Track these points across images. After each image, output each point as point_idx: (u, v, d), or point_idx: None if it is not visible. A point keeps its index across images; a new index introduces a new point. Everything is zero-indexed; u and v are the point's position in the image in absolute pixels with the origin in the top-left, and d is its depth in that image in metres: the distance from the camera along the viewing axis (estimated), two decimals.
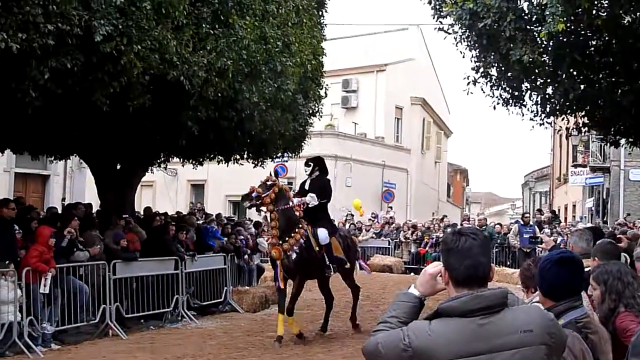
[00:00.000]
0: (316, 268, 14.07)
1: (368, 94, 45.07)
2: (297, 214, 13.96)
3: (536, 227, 25.81)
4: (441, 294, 3.77)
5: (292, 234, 13.53)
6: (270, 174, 14.38)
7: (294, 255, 13.45)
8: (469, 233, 3.56)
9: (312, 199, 14.14)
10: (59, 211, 18.44)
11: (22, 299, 12.82)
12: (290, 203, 13.92)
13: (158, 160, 20.08)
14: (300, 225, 13.76)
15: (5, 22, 9.66)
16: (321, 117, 21.79)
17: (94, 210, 18.90)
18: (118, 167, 18.74)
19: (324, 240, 13.88)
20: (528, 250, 24.26)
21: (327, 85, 20.51)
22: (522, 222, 26.56)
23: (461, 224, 34.58)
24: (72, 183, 28.99)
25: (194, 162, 20.28)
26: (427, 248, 31.46)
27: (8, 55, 9.89)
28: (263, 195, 13.34)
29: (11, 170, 28.72)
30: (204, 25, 13.90)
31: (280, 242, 13.49)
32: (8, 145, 19.05)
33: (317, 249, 13.82)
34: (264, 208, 13.91)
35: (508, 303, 3.47)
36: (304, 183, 15.02)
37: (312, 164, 14.77)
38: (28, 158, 21.83)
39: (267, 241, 16.43)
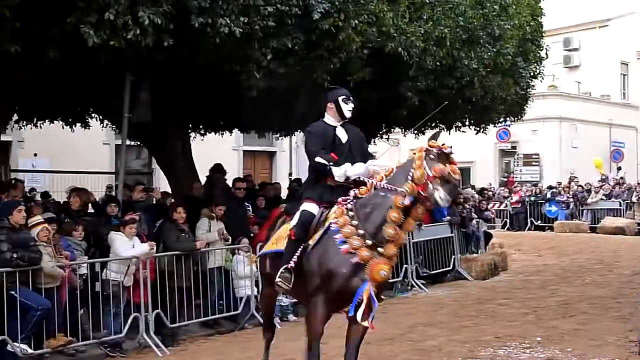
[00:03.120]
0: None
1: (591, 51, 43.54)
2: None
3: None
4: None
5: None
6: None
7: None
8: None
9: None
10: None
11: (257, 274, 13.18)
12: None
13: (380, 132, 20.10)
14: None
15: (227, 7, 9.88)
16: (543, 78, 21.05)
17: None
18: None
19: None
20: None
21: (547, 45, 19.78)
22: None
23: None
24: (298, 158, 29.63)
25: (415, 131, 20.16)
26: None
27: (232, 39, 10.12)
28: None
29: (239, 148, 29.81)
30: None
31: None
32: (235, 125, 19.76)
33: None
34: None
35: None
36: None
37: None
38: (255, 136, 22.57)
39: None
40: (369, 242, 6.92)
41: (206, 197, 14.31)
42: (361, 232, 6.96)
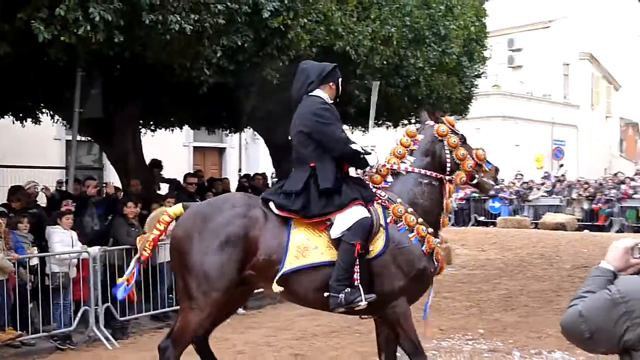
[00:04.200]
0: None
1: (534, 52, 44.17)
2: None
3: None
4: None
5: None
6: None
7: None
8: None
9: None
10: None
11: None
12: None
13: None
14: None
15: (178, 4, 9.87)
16: (486, 78, 21.36)
17: (269, 180, 19.28)
18: (290, 137, 18.96)
19: None
20: None
21: (491, 46, 20.11)
22: None
23: (631, 179, 33.52)
24: (247, 154, 29.63)
25: (362, 128, 20.32)
26: (600, 204, 30.71)
27: (182, 36, 10.12)
28: None
29: (190, 144, 29.67)
30: None
31: None
32: (186, 122, 19.79)
33: None
34: None
35: None
36: None
37: None
38: (205, 133, 22.54)
39: None
40: (430, 230, 6.66)
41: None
42: (420, 221, 6.58)
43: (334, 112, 6.70)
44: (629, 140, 62.33)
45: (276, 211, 6.42)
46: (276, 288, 6.29)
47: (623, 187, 31.58)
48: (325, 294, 6.28)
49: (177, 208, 6.64)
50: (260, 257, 6.27)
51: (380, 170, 6.82)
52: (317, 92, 6.65)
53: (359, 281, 6.28)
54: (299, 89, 6.72)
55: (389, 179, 6.86)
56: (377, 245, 6.42)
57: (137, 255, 6.56)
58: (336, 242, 6.33)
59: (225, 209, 6.36)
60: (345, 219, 6.29)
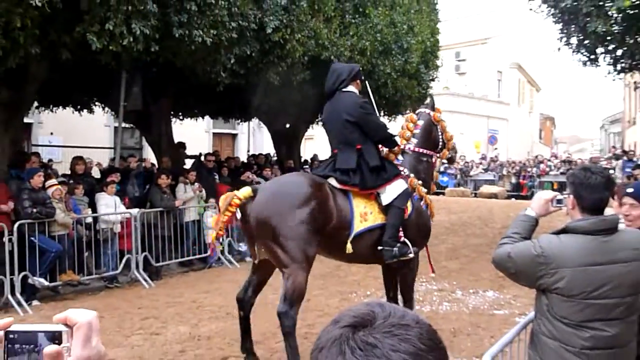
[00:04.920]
0: None
1: (474, 62, 44.10)
2: None
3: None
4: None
5: None
6: None
7: None
8: (598, 172, 3.41)
9: None
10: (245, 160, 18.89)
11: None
12: None
13: (317, 120, 20.16)
14: None
15: (200, 22, 9.80)
16: (439, 81, 21.28)
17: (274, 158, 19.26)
18: (287, 126, 18.93)
19: None
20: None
21: (442, 57, 20.01)
22: (626, 159, 24.44)
23: (548, 160, 33.63)
24: (254, 139, 29.51)
25: None
26: (524, 179, 30.86)
27: (204, 46, 10.05)
28: None
29: (210, 130, 29.54)
30: (347, 16, 13.87)
31: None
32: (207, 113, 19.74)
33: None
34: None
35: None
36: None
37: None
38: (221, 121, 22.53)
39: None
40: (425, 190, 6.73)
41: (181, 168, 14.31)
42: (425, 190, 6.69)
43: (371, 104, 6.64)
44: (546, 131, 62.58)
45: (338, 185, 6.20)
46: (349, 249, 6.12)
47: (542, 166, 31.70)
48: (380, 248, 6.24)
49: (246, 191, 5.91)
50: (334, 222, 6.03)
51: (394, 150, 6.79)
52: (350, 88, 6.44)
53: (403, 237, 6.34)
54: (332, 85, 6.47)
55: (399, 157, 6.84)
56: (408, 210, 6.44)
57: (215, 234, 5.89)
58: (385, 208, 6.27)
59: (302, 186, 5.95)
60: (393, 189, 6.28)
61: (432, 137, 6.94)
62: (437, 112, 7.09)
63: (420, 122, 6.91)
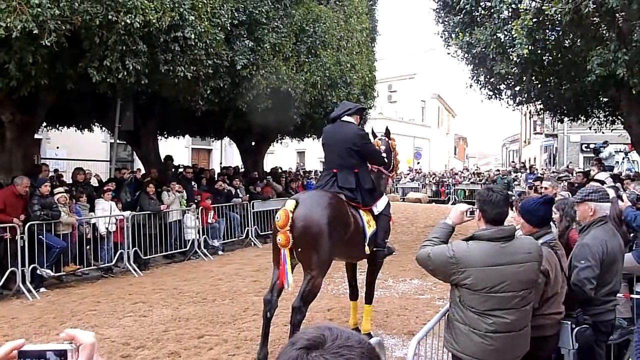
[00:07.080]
0: None
1: (404, 93, 44.62)
2: None
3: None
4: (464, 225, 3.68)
5: None
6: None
7: None
8: (498, 191, 3.49)
9: None
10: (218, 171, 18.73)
11: (199, 225, 13.07)
12: None
13: (277, 138, 20.13)
14: None
15: (182, 60, 9.74)
16: (375, 108, 21.52)
17: (241, 170, 19.14)
18: (253, 143, 18.86)
19: None
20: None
21: (378, 89, 20.20)
22: (529, 172, 23.78)
23: (461, 172, 34.17)
24: (226, 153, 29.28)
25: (298, 138, 20.31)
26: (442, 187, 31.28)
27: (185, 80, 9.99)
28: None
29: (189, 146, 29.13)
30: (302, 56, 13.87)
31: None
32: (187, 132, 19.57)
33: None
34: None
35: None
36: None
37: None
38: (199, 139, 22.27)
39: None
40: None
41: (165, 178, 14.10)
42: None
43: (368, 134, 6.61)
44: (460, 148, 63.62)
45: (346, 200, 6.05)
46: (368, 250, 6.20)
47: (456, 177, 32.15)
48: (375, 249, 6.32)
49: (291, 204, 5.51)
50: (352, 229, 5.89)
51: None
52: (349, 118, 6.24)
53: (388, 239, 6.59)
54: (338, 113, 6.29)
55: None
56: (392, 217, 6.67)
57: (276, 242, 5.49)
58: (376, 217, 6.32)
59: (328, 201, 5.66)
60: (382, 203, 6.40)
61: (389, 159, 6.93)
62: (393, 141, 7.12)
63: (383, 147, 6.86)
